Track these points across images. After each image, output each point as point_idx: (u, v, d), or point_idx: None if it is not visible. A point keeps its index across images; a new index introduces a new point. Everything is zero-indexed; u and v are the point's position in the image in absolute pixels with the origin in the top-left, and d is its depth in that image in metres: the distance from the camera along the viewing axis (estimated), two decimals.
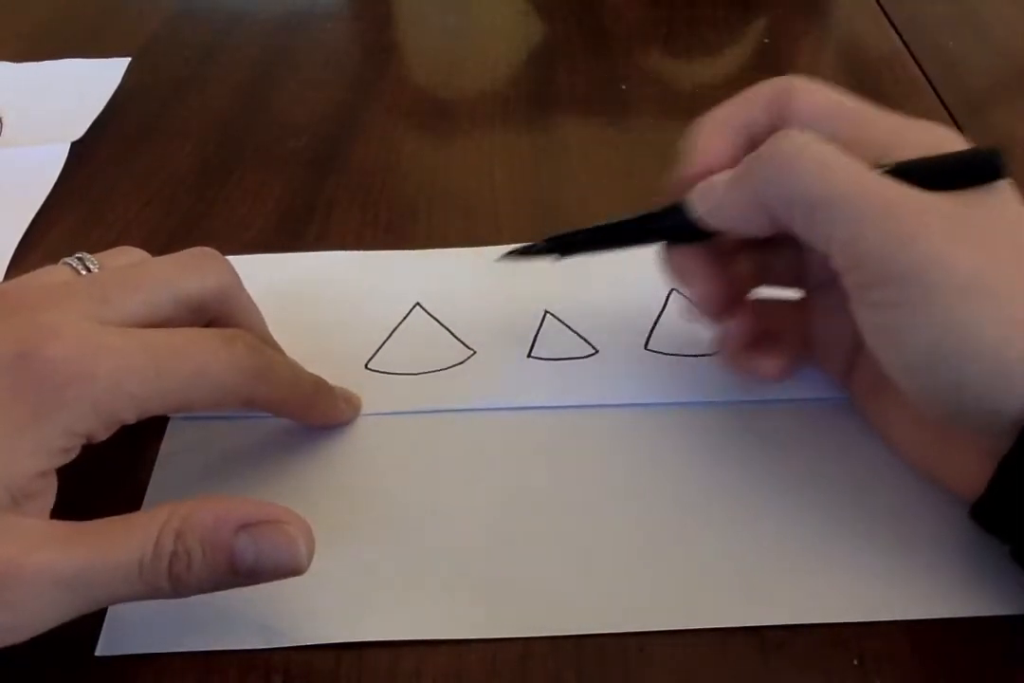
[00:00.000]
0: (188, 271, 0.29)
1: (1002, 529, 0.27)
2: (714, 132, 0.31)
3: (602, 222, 0.33)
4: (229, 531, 0.24)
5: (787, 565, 0.28)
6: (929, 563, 0.28)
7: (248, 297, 0.31)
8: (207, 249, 0.30)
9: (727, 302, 0.31)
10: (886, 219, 0.25)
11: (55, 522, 0.25)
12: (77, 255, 0.30)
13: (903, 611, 0.27)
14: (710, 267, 0.31)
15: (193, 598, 0.26)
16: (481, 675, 0.26)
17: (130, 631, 0.27)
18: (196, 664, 0.26)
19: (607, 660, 0.26)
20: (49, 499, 0.26)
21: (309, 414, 0.32)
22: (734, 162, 0.29)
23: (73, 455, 0.26)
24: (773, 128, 0.29)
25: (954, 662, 0.26)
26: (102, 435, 0.26)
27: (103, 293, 0.27)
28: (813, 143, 0.27)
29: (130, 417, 0.26)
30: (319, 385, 0.31)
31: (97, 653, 0.27)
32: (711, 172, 0.29)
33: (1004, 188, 0.26)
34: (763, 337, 0.31)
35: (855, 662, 0.26)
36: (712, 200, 0.29)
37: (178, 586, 0.24)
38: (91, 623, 0.27)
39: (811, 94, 0.30)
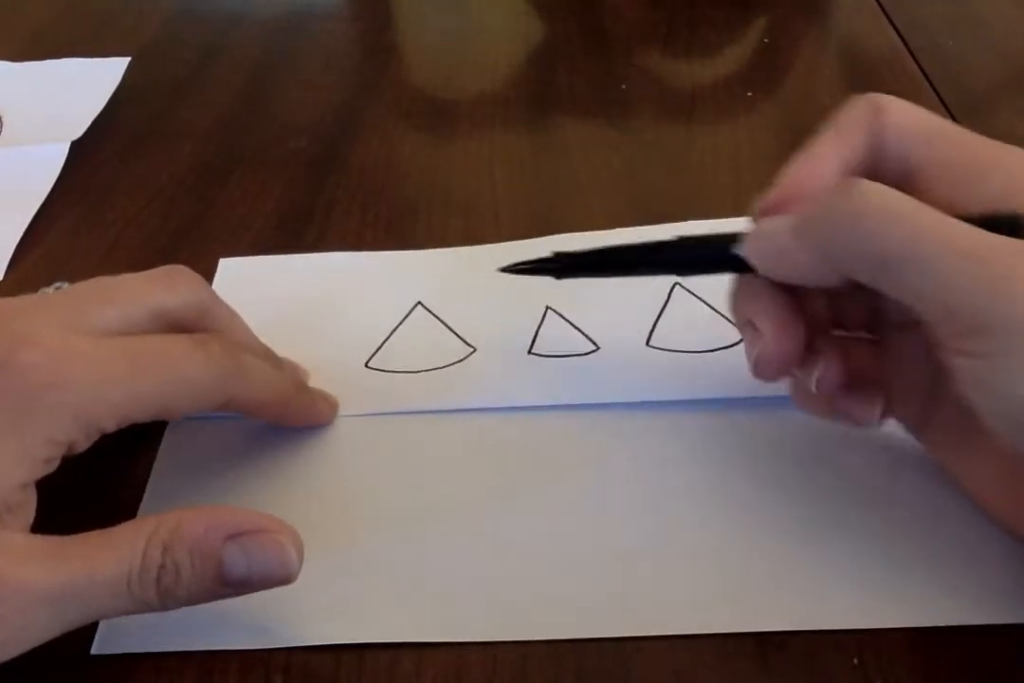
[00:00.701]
0: (163, 286, 0.29)
1: None
2: (807, 162, 0.29)
3: (615, 244, 0.31)
4: (218, 541, 0.24)
5: (788, 570, 0.28)
6: (930, 570, 0.28)
7: (226, 309, 0.31)
8: (180, 266, 0.30)
9: (801, 347, 0.28)
10: (974, 265, 0.23)
11: (38, 536, 0.24)
12: (55, 284, 0.30)
13: (903, 618, 0.27)
14: (786, 306, 0.28)
15: None
16: (481, 676, 0.26)
17: (127, 630, 0.27)
18: (196, 664, 0.26)
19: (606, 661, 0.26)
20: (30, 513, 0.25)
21: (289, 415, 0.32)
22: None
23: (54, 466, 0.26)
24: (871, 152, 0.28)
25: (954, 663, 0.26)
26: (82, 444, 0.26)
27: (79, 305, 0.27)
28: (880, 195, 0.25)
29: (110, 424, 0.26)
30: (298, 386, 0.32)
31: (93, 652, 0.27)
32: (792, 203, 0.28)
33: None
34: (851, 379, 0.29)
35: (855, 662, 0.26)
36: (769, 250, 0.27)
37: (166, 599, 0.24)
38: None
39: (904, 115, 0.28)
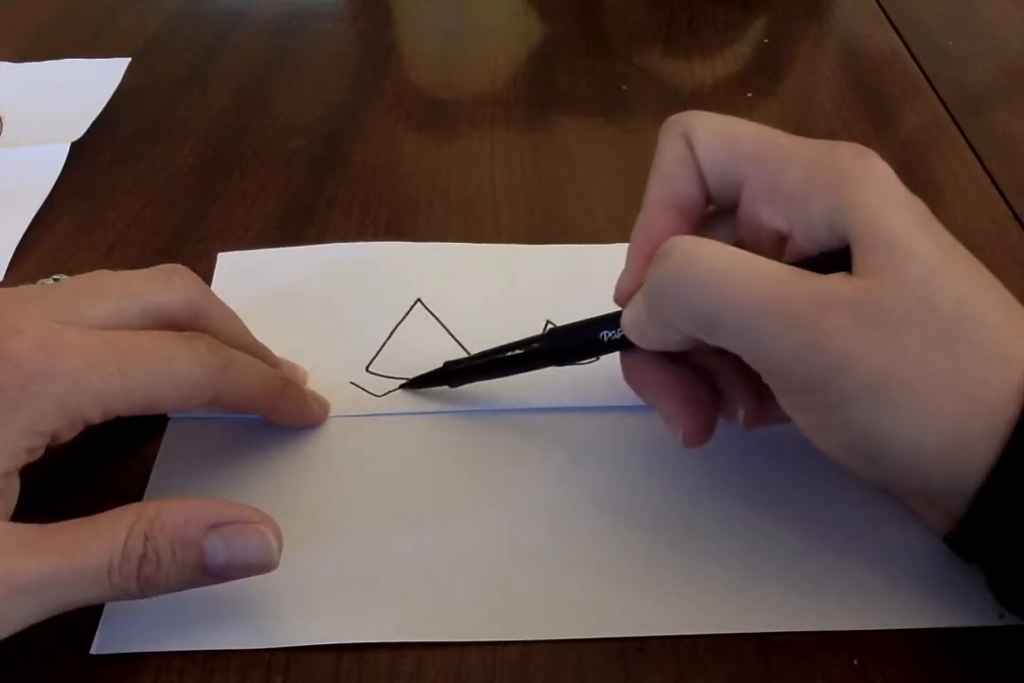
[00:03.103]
0: (156, 283, 0.29)
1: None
2: (643, 232, 0.29)
3: (491, 349, 0.32)
4: (199, 531, 0.25)
5: (788, 571, 0.28)
6: (930, 573, 0.28)
7: (222, 308, 0.31)
8: (177, 265, 0.30)
9: (712, 413, 0.29)
10: (787, 330, 0.23)
11: (19, 525, 0.25)
12: (54, 276, 0.30)
13: (903, 620, 0.27)
14: (677, 376, 0.29)
15: (192, 597, 0.26)
16: (481, 676, 0.26)
17: (126, 630, 0.27)
18: (196, 664, 0.26)
19: (607, 661, 0.26)
20: (11, 501, 0.25)
21: (278, 412, 0.32)
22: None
23: (37, 455, 0.26)
24: (700, 183, 0.28)
25: (953, 663, 0.26)
26: (67, 435, 0.26)
27: (71, 297, 0.27)
28: (697, 253, 0.25)
29: (95, 416, 0.26)
30: (287, 383, 0.32)
31: (93, 651, 0.27)
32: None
33: (919, 251, 0.24)
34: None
35: (855, 662, 0.26)
36: (632, 326, 0.28)
37: (146, 587, 0.24)
38: (87, 621, 0.27)
39: (708, 137, 0.28)
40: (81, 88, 0.50)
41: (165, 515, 0.25)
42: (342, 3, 0.62)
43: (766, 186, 0.27)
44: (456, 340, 0.36)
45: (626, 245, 0.39)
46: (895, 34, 0.56)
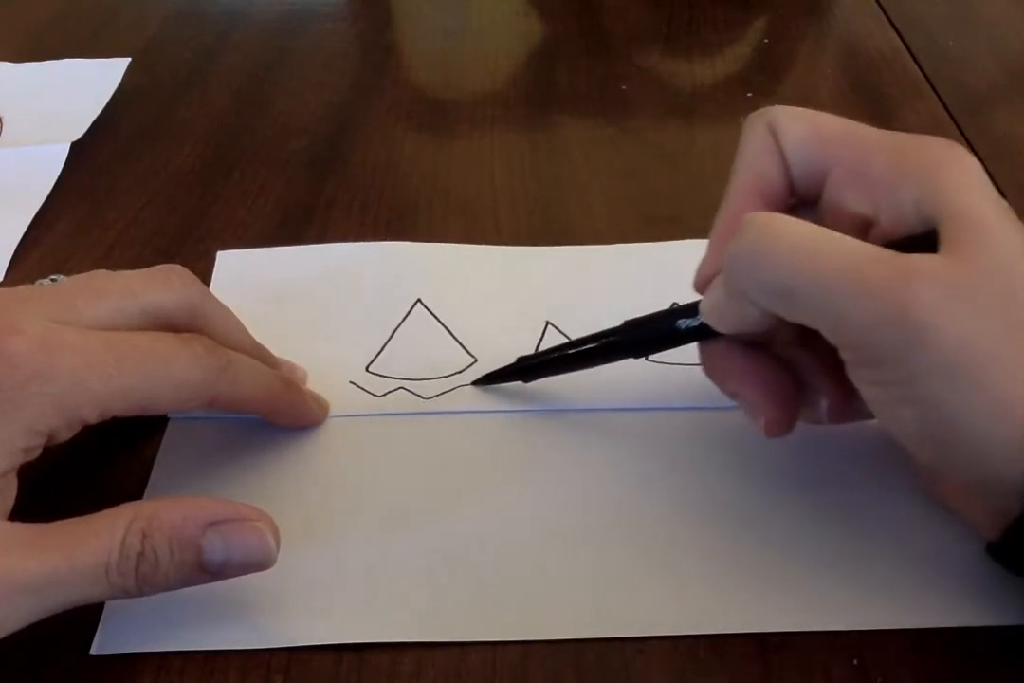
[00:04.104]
0: (155, 283, 0.29)
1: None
2: (729, 217, 0.29)
3: (572, 341, 0.32)
4: (197, 529, 0.25)
5: (788, 572, 0.28)
6: (931, 572, 0.28)
7: (221, 308, 0.31)
8: (175, 266, 0.30)
9: (795, 402, 0.28)
10: (868, 299, 0.23)
11: (16, 524, 0.25)
12: (52, 276, 0.30)
13: (903, 620, 0.27)
14: (761, 365, 0.28)
15: (192, 598, 0.26)
16: (481, 676, 0.26)
17: (126, 630, 0.27)
18: (196, 664, 0.26)
19: (607, 661, 0.26)
20: (9, 501, 0.25)
21: (277, 412, 0.32)
22: None
23: (35, 455, 0.26)
24: (784, 173, 0.28)
25: (953, 663, 0.26)
26: (64, 434, 0.26)
27: (69, 298, 0.27)
28: (777, 225, 0.25)
29: (93, 416, 0.26)
30: (286, 384, 0.32)
31: (93, 651, 0.27)
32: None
33: (1006, 237, 0.24)
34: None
35: (855, 662, 0.26)
36: (713, 308, 0.28)
37: (144, 586, 0.24)
38: (87, 621, 0.27)
39: (796, 127, 0.28)
40: (81, 88, 0.50)
41: (163, 513, 0.25)
42: (342, 3, 0.62)
43: (853, 172, 0.27)
44: (457, 340, 0.36)
45: (628, 245, 0.40)
46: (895, 34, 0.56)
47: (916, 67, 0.52)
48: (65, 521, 0.25)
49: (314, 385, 0.34)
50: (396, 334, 0.36)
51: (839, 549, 0.29)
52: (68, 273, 0.30)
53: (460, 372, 0.35)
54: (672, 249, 0.39)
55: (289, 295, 0.38)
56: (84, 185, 0.44)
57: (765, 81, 0.52)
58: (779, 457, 0.31)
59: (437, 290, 0.38)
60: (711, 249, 0.29)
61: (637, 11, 0.59)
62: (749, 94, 0.50)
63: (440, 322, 0.36)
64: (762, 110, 0.29)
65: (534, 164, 0.46)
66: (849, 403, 0.28)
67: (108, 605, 0.27)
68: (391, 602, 0.28)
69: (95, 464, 0.32)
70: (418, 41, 0.58)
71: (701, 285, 0.29)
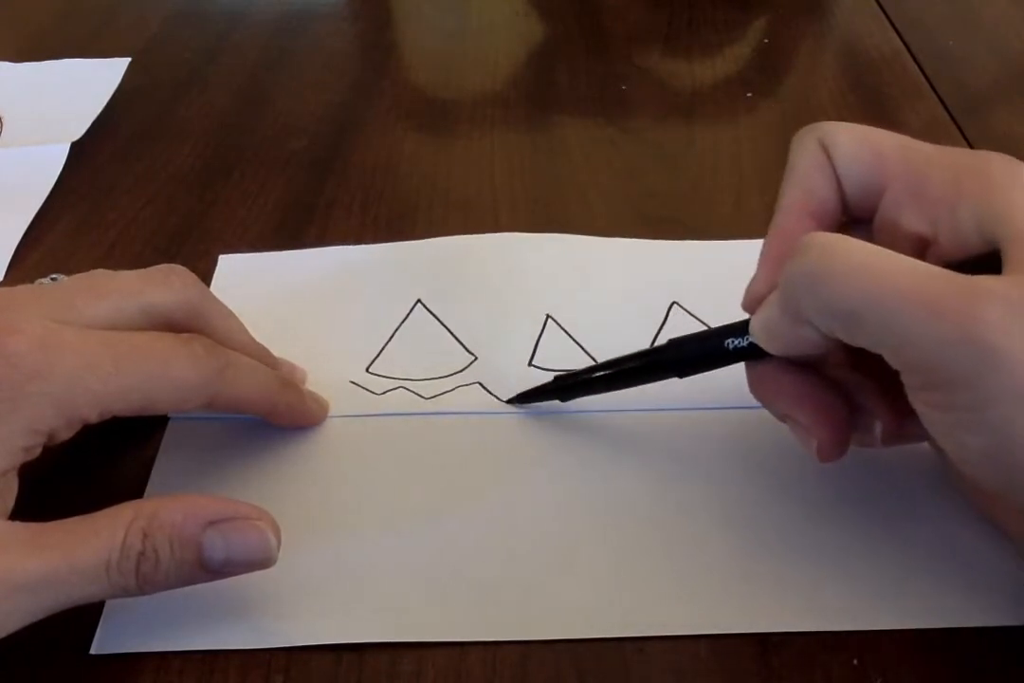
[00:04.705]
0: (155, 283, 0.29)
1: None
2: (779, 235, 0.28)
3: (612, 360, 0.31)
4: (197, 528, 0.25)
5: (788, 572, 0.28)
6: (930, 572, 0.28)
7: (221, 309, 0.31)
8: (175, 265, 0.30)
9: (848, 424, 0.27)
10: (935, 321, 0.22)
11: (17, 523, 0.25)
12: (52, 276, 0.30)
13: (903, 620, 0.27)
14: (812, 386, 0.27)
15: (191, 598, 0.26)
16: (481, 676, 0.26)
17: (126, 630, 0.27)
18: (196, 664, 0.26)
19: (607, 661, 0.26)
20: (9, 500, 0.25)
21: (277, 412, 0.32)
22: None
23: (35, 454, 0.26)
24: (837, 192, 0.28)
25: (953, 663, 0.26)
26: (64, 434, 0.26)
27: (69, 297, 0.27)
28: (837, 246, 0.24)
29: (92, 415, 0.26)
30: (286, 384, 0.32)
31: (92, 651, 0.27)
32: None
33: None
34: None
35: (855, 662, 0.26)
36: (764, 328, 0.27)
37: (145, 585, 0.24)
38: (87, 621, 0.27)
39: (850, 144, 0.27)
40: (81, 88, 0.50)
41: (163, 512, 0.25)
42: (342, 3, 0.62)
43: (910, 191, 0.26)
44: (457, 339, 0.36)
45: (624, 240, 0.40)
46: (895, 34, 0.55)
47: (916, 67, 0.52)
48: (65, 520, 0.25)
49: (314, 385, 0.34)
50: (396, 334, 0.36)
51: (839, 549, 0.29)
52: (68, 273, 0.30)
53: (460, 371, 0.35)
54: (672, 249, 0.39)
55: (290, 297, 0.38)
56: (84, 185, 0.44)
57: (765, 81, 0.52)
58: (775, 457, 0.31)
59: (437, 291, 0.38)
60: (762, 268, 0.28)
61: (637, 11, 0.59)
62: (749, 94, 0.50)
63: (440, 322, 0.36)
64: (813, 125, 0.28)
65: (534, 164, 0.46)
66: (904, 426, 0.27)
67: (108, 605, 0.27)
68: (391, 602, 0.28)
69: (95, 464, 0.32)
70: (418, 41, 0.58)
71: (752, 304, 0.28)
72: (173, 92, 0.51)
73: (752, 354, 0.28)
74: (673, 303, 0.37)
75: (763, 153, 0.46)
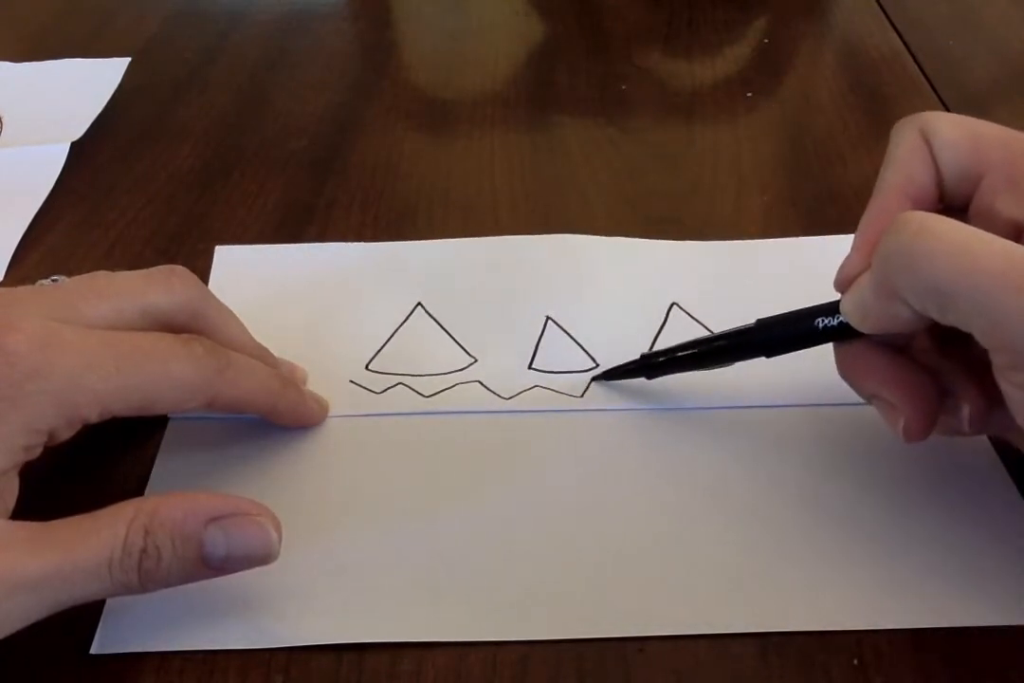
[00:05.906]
0: (156, 284, 0.29)
1: None
2: (878, 215, 0.28)
3: (696, 340, 0.32)
4: (199, 525, 0.25)
5: (788, 572, 0.28)
6: (930, 572, 0.28)
7: (221, 309, 0.31)
8: (175, 266, 0.30)
9: (937, 403, 0.27)
10: None
11: (18, 522, 0.25)
12: (52, 277, 0.30)
13: (903, 619, 0.27)
14: (902, 367, 0.28)
15: (192, 597, 0.26)
16: (481, 676, 0.26)
17: (126, 630, 0.27)
18: (196, 664, 0.26)
19: (607, 660, 0.26)
20: (10, 500, 0.25)
21: (277, 413, 0.32)
22: None
23: (35, 453, 0.26)
24: (935, 178, 0.28)
25: (954, 663, 0.26)
26: (64, 434, 0.26)
27: (70, 297, 0.27)
28: (928, 227, 0.24)
29: (92, 415, 0.26)
30: (286, 384, 0.32)
31: (93, 651, 0.26)
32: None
33: None
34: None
35: (855, 662, 0.26)
36: (856, 306, 0.27)
37: (147, 582, 0.25)
38: (87, 621, 0.27)
39: (950, 132, 0.28)
40: (81, 88, 0.50)
41: (164, 509, 0.25)
42: (342, 3, 0.63)
43: (1008, 177, 0.26)
44: (457, 342, 0.36)
45: (624, 240, 0.40)
46: (895, 34, 0.56)
47: (916, 67, 0.52)
48: (66, 519, 0.25)
49: (314, 385, 0.34)
50: (395, 336, 0.36)
51: (839, 549, 0.29)
52: (68, 273, 0.31)
53: (460, 370, 0.35)
54: (672, 249, 0.39)
55: (287, 293, 0.38)
56: (84, 185, 0.44)
57: (765, 81, 0.52)
58: (774, 457, 0.31)
59: (437, 293, 0.37)
60: (856, 248, 0.28)
61: (637, 11, 0.59)
62: (749, 94, 0.50)
63: (440, 325, 0.36)
64: (914, 115, 0.29)
65: (534, 164, 0.46)
66: (991, 411, 0.27)
67: (108, 605, 0.27)
68: (391, 602, 0.28)
69: (95, 464, 0.32)
70: (418, 41, 0.58)
71: (844, 283, 0.28)
72: (173, 92, 0.51)
73: (843, 334, 0.28)
74: (673, 304, 0.36)
75: (763, 153, 0.46)
